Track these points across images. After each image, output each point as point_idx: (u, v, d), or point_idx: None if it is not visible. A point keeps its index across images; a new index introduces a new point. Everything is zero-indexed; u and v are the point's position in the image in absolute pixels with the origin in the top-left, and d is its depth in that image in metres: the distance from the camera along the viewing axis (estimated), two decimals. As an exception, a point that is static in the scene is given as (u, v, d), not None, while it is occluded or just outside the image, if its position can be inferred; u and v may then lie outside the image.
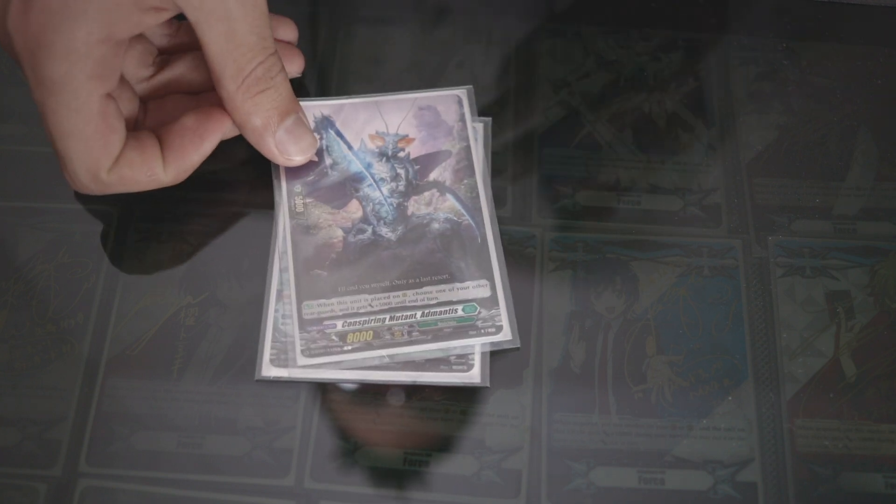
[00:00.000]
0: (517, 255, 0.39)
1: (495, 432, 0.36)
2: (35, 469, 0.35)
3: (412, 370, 0.36)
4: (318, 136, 0.41)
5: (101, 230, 0.40)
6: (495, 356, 0.37)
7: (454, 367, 0.37)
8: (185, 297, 0.39)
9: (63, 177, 0.37)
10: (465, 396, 0.37)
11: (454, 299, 0.37)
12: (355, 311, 0.37)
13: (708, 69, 0.44)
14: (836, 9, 0.46)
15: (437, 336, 0.37)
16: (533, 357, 0.37)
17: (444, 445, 0.36)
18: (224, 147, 0.40)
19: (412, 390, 0.37)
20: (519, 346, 0.37)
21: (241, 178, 0.41)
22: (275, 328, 0.37)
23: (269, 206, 0.40)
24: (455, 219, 0.39)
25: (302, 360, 0.36)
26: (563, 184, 0.41)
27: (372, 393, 0.37)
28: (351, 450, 0.36)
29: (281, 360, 0.37)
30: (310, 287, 0.38)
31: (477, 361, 0.37)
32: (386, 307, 0.37)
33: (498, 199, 0.40)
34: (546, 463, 0.36)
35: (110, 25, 0.33)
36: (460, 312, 0.37)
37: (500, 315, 0.37)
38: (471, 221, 0.39)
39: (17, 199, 0.41)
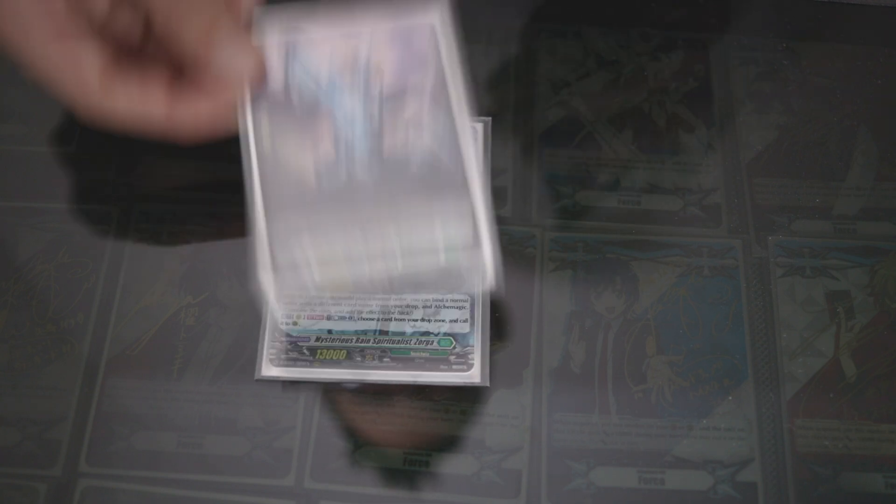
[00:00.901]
0: (517, 255, 0.39)
1: (495, 432, 0.36)
2: (35, 469, 0.35)
3: (412, 370, 0.36)
4: (283, 69, 0.37)
5: (101, 230, 0.40)
6: (495, 356, 0.37)
7: (454, 366, 0.37)
8: (185, 297, 0.39)
9: (63, 177, 0.37)
10: (465, 396, 0.37)
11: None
12: (331, 255, 0.34)
13: (708, 69, 0.44)
14: (836, 9, 0.46)
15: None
16: (533, 357, 0.37)
17: (444, 445, 0.36)
18: (223, 145, 0.40)
19: (412, 390, 0.37)
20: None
21: (241, 177, 0.41)
22: (275, 328, 0.37)
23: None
24: (432, 160, 0.35)
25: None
26: (563, 184, 0.41)
27: (372, 393, 0.37)
28: (351, 450, 0.36)
29: (281, 359, 0.37)
30: (281, 228, 0.35)
31: (477, 361, 0.37)
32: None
33: (498, 199, 0.40)
34: (546, 463, 0.36)
35: None
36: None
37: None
38: (449, 162, 0.35)
39: (17, 199, 0.41)
